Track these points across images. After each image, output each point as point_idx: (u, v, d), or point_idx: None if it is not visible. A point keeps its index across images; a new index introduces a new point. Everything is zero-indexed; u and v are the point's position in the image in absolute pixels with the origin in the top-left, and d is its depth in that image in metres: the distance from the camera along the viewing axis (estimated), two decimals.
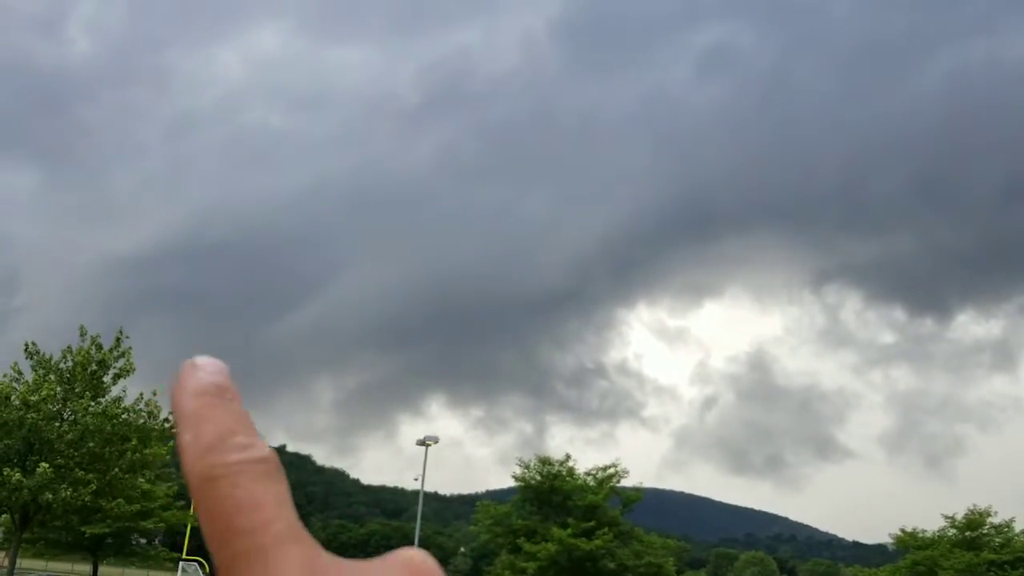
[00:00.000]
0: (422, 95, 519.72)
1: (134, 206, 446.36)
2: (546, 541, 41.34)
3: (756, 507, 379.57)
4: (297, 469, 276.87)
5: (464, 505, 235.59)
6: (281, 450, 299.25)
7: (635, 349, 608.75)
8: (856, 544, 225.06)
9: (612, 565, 41.42)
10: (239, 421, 0.60)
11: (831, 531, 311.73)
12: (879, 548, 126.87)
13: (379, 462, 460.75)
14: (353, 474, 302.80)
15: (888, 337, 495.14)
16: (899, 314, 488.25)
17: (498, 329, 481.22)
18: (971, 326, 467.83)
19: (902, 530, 49.80)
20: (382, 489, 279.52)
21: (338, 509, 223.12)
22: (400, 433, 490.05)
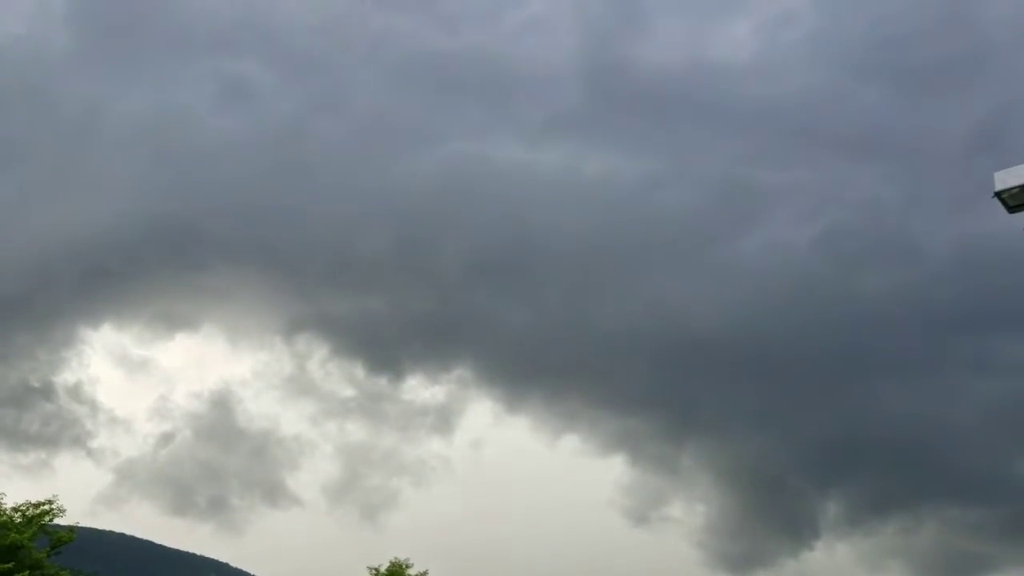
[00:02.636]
0: None
1: None
2: None
3: (198, 552, 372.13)
4: None
5: None
6: None
7: (92, 373, 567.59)
8: None
9: None
10: None
11: None
12: None
13: None
14: None
15: (348, 391, 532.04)
16: (359, 370, 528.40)
17: None
18: (419, 389, 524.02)
19: None
20: None
21: None
22: None
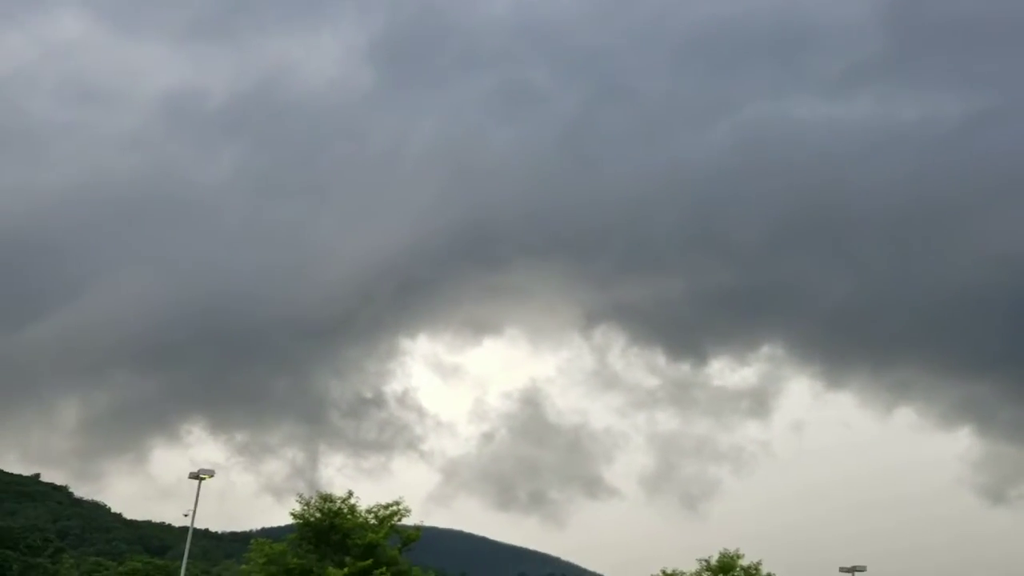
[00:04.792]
0: (228, 102, 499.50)
1: None
2: None
3: (526, 545, 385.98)
4: (50, 500, 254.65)
5: (236, 543, 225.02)
6: (34, 479, 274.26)
7: (415, 381, 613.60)
8: None
9: None
10: None
11: (598, 570, 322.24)
12: None
13: (127, 490, 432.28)
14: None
15: (652, 380, 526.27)
16: (660, 358, 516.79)
17: (271, 352, 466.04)
18: (727, 373, 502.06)
19: (663, 571, 52.95)
20: (146, 524, 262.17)
21: (96, 545, 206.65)
22: (153, 459, 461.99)
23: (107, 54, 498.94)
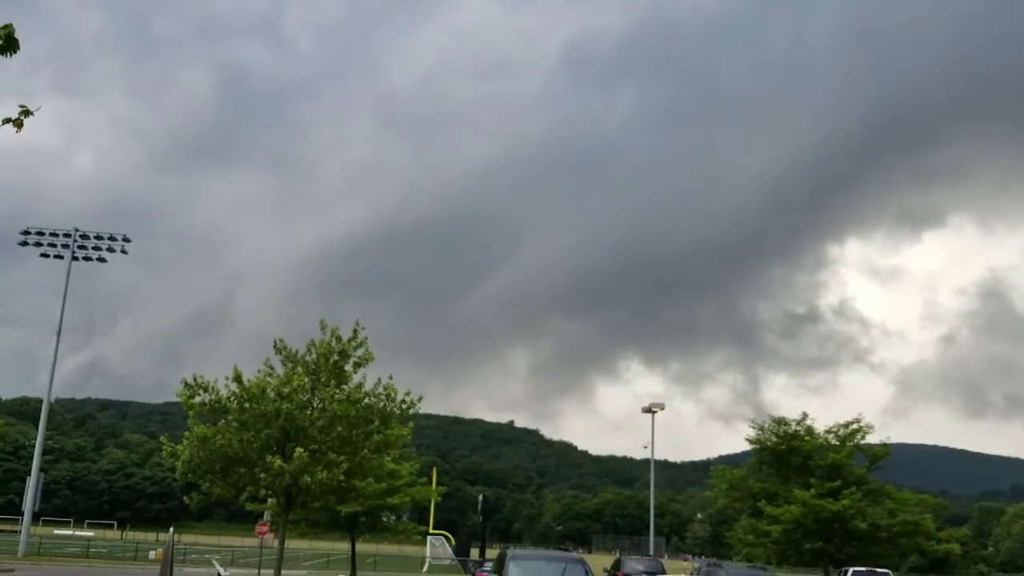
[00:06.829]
0: (621, 37, 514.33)
1: (344, 196, 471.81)
2: (788, 503, 39.78)
3: (1016, 455, 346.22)
4: (525, 442, 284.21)
5: (695, 471, 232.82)
6: (509, 426, 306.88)
7: (850, 290, 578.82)
8: None
9: (864, 525, 39.20)
10: None
11: None
12: None
13: (582, 426, 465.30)
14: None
15: None
16: None
17: (692, 282, 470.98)
18: None
19: None
20: (609, 459, 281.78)
21: (570, 480, 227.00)
22: (597, 395, 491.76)
23: (506, 25, 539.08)
